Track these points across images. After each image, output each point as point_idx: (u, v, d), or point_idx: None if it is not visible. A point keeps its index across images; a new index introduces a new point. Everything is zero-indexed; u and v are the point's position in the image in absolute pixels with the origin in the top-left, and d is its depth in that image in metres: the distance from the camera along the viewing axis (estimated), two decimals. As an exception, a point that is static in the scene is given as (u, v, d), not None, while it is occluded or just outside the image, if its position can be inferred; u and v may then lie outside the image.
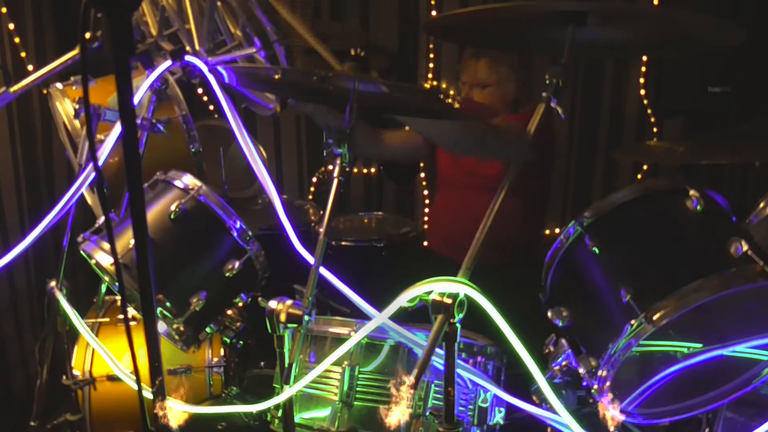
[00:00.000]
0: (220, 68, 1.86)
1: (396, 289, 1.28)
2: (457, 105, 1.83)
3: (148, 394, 1.13)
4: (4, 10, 2.90)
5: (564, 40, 1.51)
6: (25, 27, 3.02)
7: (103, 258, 1.78)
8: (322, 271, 1.61)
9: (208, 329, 1.88)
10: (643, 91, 3.60)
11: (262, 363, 2.53)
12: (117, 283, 1.90)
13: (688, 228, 1.56)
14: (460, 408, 1.65)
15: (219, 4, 2.25)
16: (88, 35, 1.77)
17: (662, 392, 1.61)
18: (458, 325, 1.24)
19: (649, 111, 3.63)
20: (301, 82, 2.01)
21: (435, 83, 3.79)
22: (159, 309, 1.75)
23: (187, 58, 1.89)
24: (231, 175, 2.80)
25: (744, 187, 3.52)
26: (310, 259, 1.62)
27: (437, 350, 1.24)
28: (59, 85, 2.28)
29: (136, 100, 1.89)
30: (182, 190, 1.84)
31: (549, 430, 1.60)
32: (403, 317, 1.38)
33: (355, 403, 1.63)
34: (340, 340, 1.65)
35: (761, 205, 1.75)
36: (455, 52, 3.63)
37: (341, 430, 1.63)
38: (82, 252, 1.84)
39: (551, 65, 1.53)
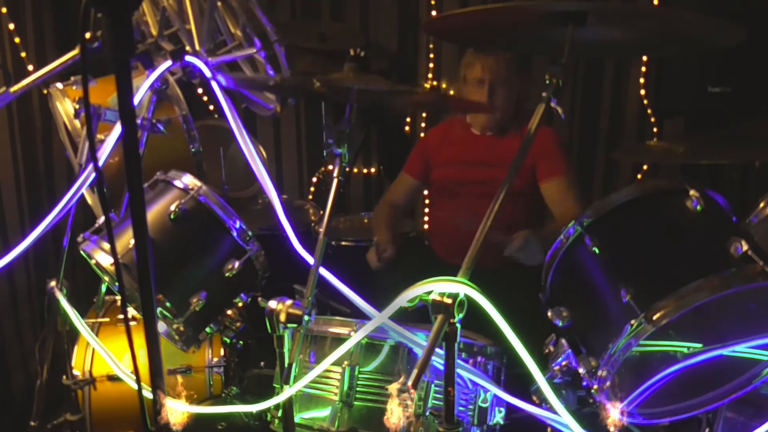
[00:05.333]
0: (219, 78, 1.86)
1: (396, 289, 1.28)
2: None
3: (148, 394, 1.13)
4: (4, 10, 2.90)
5: (564, 40, 1.51)
6: (25, 27, 3.02)
7: (103, 258, 1.78)
8: (322, 271, 1.61)
9: (208, 329, 1.88)
10: (643, 91, 3.60)
11: (262, 363, 2.53)
12: (117, 283, 1.90)
13: (688, 228, 1.56)
14: (460, 408, 1.65)
15: (219, 4, 2.26)
16: (88, 35, 1.78)
17: (662, 392, 1.61)
18: (458, 325, 1.24)
19: (649, 111, 3.63)
20: (301, 84, 2.02)
21: (435, 83, 3.79)
22: (159, 309, 1.75)
23: (188, 58, 1.89)
24: (231, 175, 2.81)
25: (744, 187, 3.52)
26: (310, 259, 1.62)
27: (437, 350, 1.24)
28: (59, 85, 2.28)
29: (136, 100, 1.89)
30: (182, 190, 1.84)
31: (549, 430, 1.60)
32: (403, 317, 1.38)
33: (355, 403, 1.63)
34: (340, 340, 1.65)
35: (761, 205, 1.75)
36: (455, 52, 3.63)
37: (341, 430, 1.63)
38: (82, 252, 1.84)
39: (551, 65, 1.53)
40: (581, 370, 1.52)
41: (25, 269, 3.10)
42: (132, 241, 1.73)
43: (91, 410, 2.26)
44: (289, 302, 1.52)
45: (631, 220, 1.59)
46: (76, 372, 2.24)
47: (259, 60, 2.29)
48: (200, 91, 3.56)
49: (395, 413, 1.39)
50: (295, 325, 1.51)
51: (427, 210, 3.84)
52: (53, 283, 2.02)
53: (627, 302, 1.44)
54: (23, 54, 2.99)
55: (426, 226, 3.61)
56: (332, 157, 1.67)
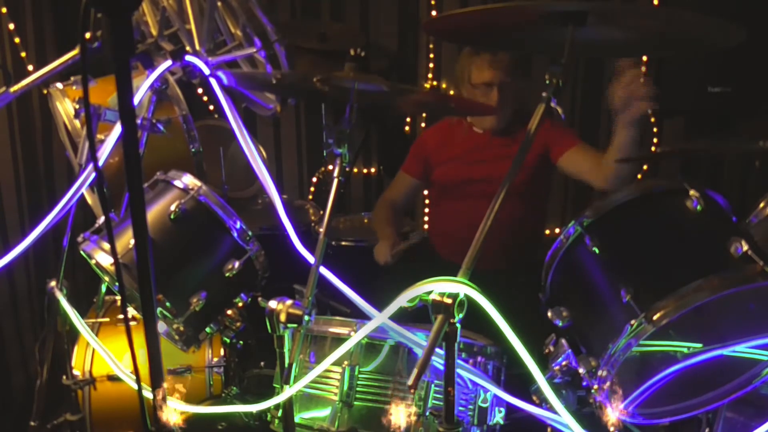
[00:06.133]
0: (220, 74, 1.86)
1: (396, 289, 1.28)
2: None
3: (148, 394, 1.13)
4: (4, 10, 2.90)
5: (564, 40, 1.51)
6: (25, 27, 3.02)
7: (103, 258, 1.78)
8: (322, 271, 1.61)
9: (208, 329, 1.88)
10: (643, 91, 3.60)
11: (262, 363, 2.53)
12: (117, 283, 1.90)
13: (688, 228, 1.57)
14: (460, 408, 1.65)
15: (219, 4, 2.26)
16: (88, 35, 1.78)
17: (662, 392, 1.61)
18: (458, 325, 1.24)
19: (649, 111, 3.62)
20: (300, 84, 2.01)
21: (435, 83, 3.79)
22: (159, 309, 1.75)
23: (188, 58, 1.89)
24: (231, 175, 2.81)
25: (744, 187, 3.52)
26: (310, 259, 1.62)
27: (437, 350, 1.24)
28: (59, 85, 2.28)
29: (136, 100, 1.89)
30: (182, 190, 1.84)
31: (549, 430, 1.60)
32: (403, 317, 1.38)
33: (355, 403, 1.63)
34: (340, 340, 1.65)
35: (761, 205, 1.75)
36: (455, 52, 3.63)
37: (341, 430, 1.63)
38: (82, 252, 1.84)
39: (551, 65, 1.53)
40: (581, 370, 1.52)
41: (25, 269, 3.10)
42: (132, 241, 1.73)
43: (91, 410, 2.26)
44: (289, 302, 1.52)
45: (631, 220, 1.59)
46: (76, 372, 2.24)
47: (259, 60, 2.29)
48: (200, 91, 3.56)
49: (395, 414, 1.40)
50: (295, 325, 1.51)
51: (427, 210, 3.84)
52: (53, 283, 2.02)
53: (627, 302, 1.44)
54: (23, 54, 2.99)
55: (426, 226, 3.61)
56: (332, 157, 1.67)
